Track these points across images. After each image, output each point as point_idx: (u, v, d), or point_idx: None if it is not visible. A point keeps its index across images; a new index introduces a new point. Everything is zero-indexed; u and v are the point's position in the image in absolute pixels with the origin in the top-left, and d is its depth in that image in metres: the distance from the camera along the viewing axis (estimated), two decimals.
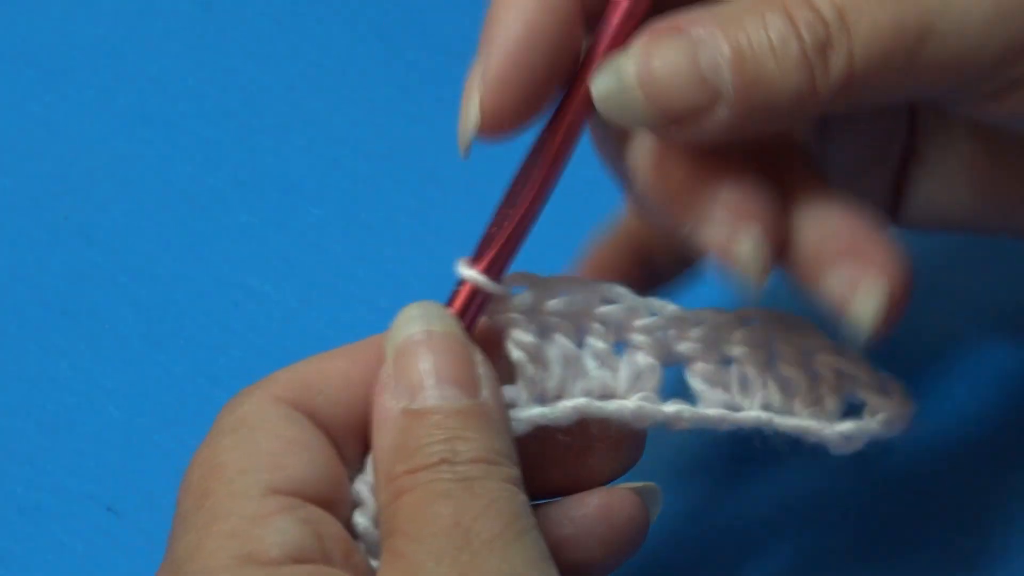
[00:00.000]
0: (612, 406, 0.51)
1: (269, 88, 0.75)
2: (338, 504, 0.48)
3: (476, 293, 0.50)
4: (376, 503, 0.48)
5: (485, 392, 0.48)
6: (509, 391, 0.50)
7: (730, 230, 0.48)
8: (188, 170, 0.73)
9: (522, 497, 0.46)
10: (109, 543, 0.63)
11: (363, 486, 0.49)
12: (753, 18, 0.46)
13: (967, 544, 0.61)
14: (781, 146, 0.51)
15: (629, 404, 0.51)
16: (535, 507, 0.50)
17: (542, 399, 0.50)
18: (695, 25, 0.47)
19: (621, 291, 0.52)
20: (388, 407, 0.47)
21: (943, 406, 0.64)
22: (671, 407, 0.51)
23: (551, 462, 0.51)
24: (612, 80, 0.47)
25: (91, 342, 0.68)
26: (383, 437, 0.47)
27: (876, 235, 0.49)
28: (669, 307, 0.52)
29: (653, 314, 0.52)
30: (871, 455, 0.62)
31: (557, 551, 0.48)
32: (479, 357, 0.48)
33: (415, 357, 0.48)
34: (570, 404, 0.50)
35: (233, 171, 0.73)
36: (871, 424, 0.52)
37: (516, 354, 0.50)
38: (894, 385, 0.53)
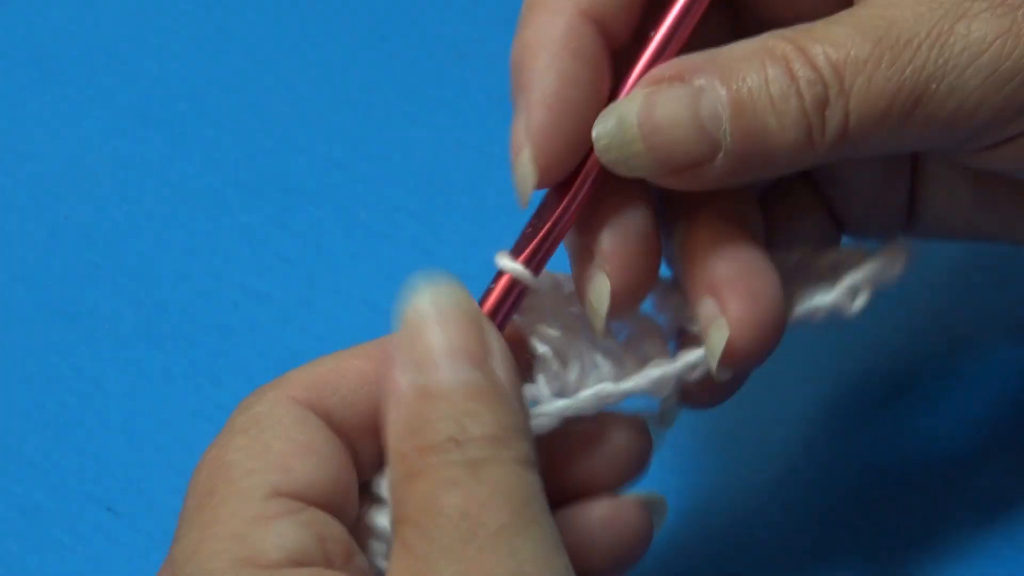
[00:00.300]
0: (629, 384, 0.51)
1: (269, 88, 0.75)
2: (344, 508, 0.48)
3: (514, 286, 0.50)
4: (390, 480, 0.47)
5: (495, 363, 0.47)
6: (531, 389, 0.50)
7: (591, 276, 0.50)
8: (188, 170, 0.73)
9: (531, 477, 0.46)
10: (109, 543, 0.63)
11: (384, 485, 0.49)
12: (754, 70, 0.47)
13: (966, 545, 0.61)
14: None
15: (652, 372, 0.51)
16: None
17: (562, 394, 0.51)
18: (696, 74, 0.47)
19: None
20: (396, 381, 0.47)
21: (945, 408, 0.64)
22: (692, 354, 0.51)
23: (558, 470, 0.51)
24: (614, 128, 0.48)
25: (91, 342, 0.68)
26: (392, 412, 0.47)
27: (746, 281, 0.49)
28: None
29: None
30: (871, 457, 0.63)
31: None
32: (490, 329, 0.48)
33: (423, 329, 0.47)
34: (591, 392, 0.50)
35: (233, 171, 0.73)
36: (869, 270, 0.52)
37: (542, 348, 0.50)
38: (887, 245, 0.53)
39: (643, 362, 0.51)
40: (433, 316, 0.47)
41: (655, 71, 0.48)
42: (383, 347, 0.49)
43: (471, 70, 0.75)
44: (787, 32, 0.48)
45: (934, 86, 0.47)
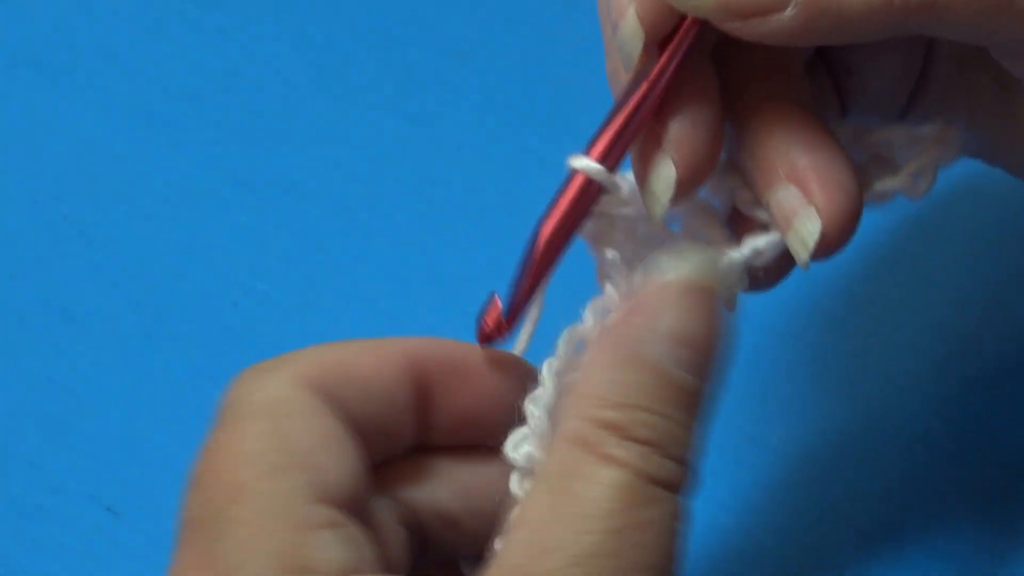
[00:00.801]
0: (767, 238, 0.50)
1: (269, 88, 0.75)
2: (362, 504, 0.46)
3: (589, 185, 0.48)
4: (565, 413, 0.45)
5: (706, 387, 0.46)
6: (599, 301, 0.48)
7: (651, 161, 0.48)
8: (188, 170, 0.73)
9: (684, 528, 0.45)
10: (109, 543, 0.63)
11: (535, 408, 0.47)
12: None
13: (966, 545, 0.61)
14: (773, 63, 0.51)
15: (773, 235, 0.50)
16: None
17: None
18: None
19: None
20: (632, 340, 0.44)
21: (945, 408, 0.64)
22: (746, 241, 0.50)
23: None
24: None
25: (91, 342, 0.68)
26: (610, 366, 0.44)
27: (830, 169, 0.49)
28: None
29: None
30: (871, 457, 0.63)
31: None
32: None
33: (684, 311, 0.45)
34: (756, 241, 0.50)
35: (233, 171, 0.73)
36: (931, 153, 0.52)
37: (611, 254, 0.49)
38: (940, 128, 0.53)
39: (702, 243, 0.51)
40: (701, 303, 0.46)
41: None
42: (397, 347, 0.48)
43: (471, 70, 0.75)
44: None
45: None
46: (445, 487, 0.50)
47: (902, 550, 0.61)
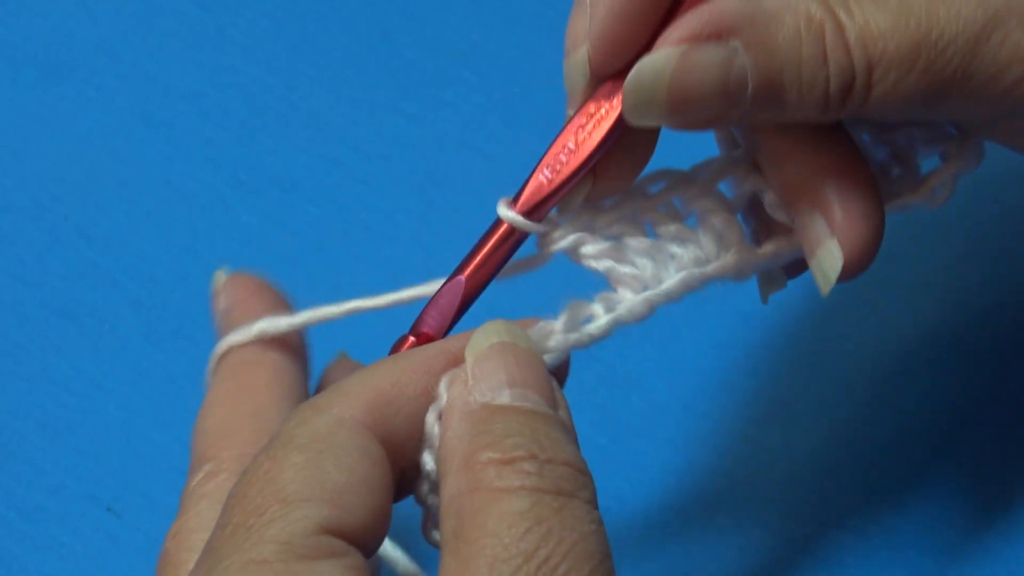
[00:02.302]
0: (712, 267, 0.51)
1: (269, 88, 0.75)
2: (378, 539, 0.47)
3: (510, 235, 0.51)
4: (442, 487, 0.46)
5: (562, 413, 0.47)
6: (613, 298, 0.50)
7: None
8: (188, 170, 0.73)
9: (604, 528, 0.45)
10: (109, 543, 0.63)
11: (434, 418, 0.48)
12: (790, 40, 0.47)
13: (966, 545, 0.61)
14: None
15: (729, 258, 0.51)
16: None
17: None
18: (734, 34, 0.47)
19: (661, 173, 0.52)
20: (467, 400, 0.46)
21: (946, 408, 0.64)
22: (768, 246, 0.51)
23: None
24: (648, 80, 0.48)
25: (91, 342, 0.68)
26: (459, 423, 0.45)
27: (855, 198, 0.49)
28: (714, 160, 0.52)
29: (703, 173, 0.52)
30: (870, 457, 0.63)
31: None
32: (554, 383, 0.48)
33: (498, 363, 0.47)
34: (678, 277, 0.50)
35: (233, 171, 0.73)
36: (949, 167, 0.53)
37: (603, 264, 0.51)
38: (961, 142, 0.53)
39: (719, 240, 0.51)
40: (508, 352, 0.47)
41: (695, 18, 0.48)
42: (439, 356, 0.49)
43: (471, 70, 0.75)
44: None
45: (957, 89, 0.47)
46: None
47: (902, 550, 0.61)
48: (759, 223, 0.53)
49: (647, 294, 0.50)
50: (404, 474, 0.48)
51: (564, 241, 0.51)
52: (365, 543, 0.46)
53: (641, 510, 0.62)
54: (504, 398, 0.46)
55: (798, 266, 0.54)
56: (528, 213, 0.51)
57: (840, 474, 0.63)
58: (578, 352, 0.66)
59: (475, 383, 0.46)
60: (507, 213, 0.51)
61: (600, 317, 0.50)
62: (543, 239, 0.51)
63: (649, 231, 0.52)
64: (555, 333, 0.50)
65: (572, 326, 0.50)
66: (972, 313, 0.67)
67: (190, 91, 0.75)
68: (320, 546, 0.44)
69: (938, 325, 0.67)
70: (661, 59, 0.48)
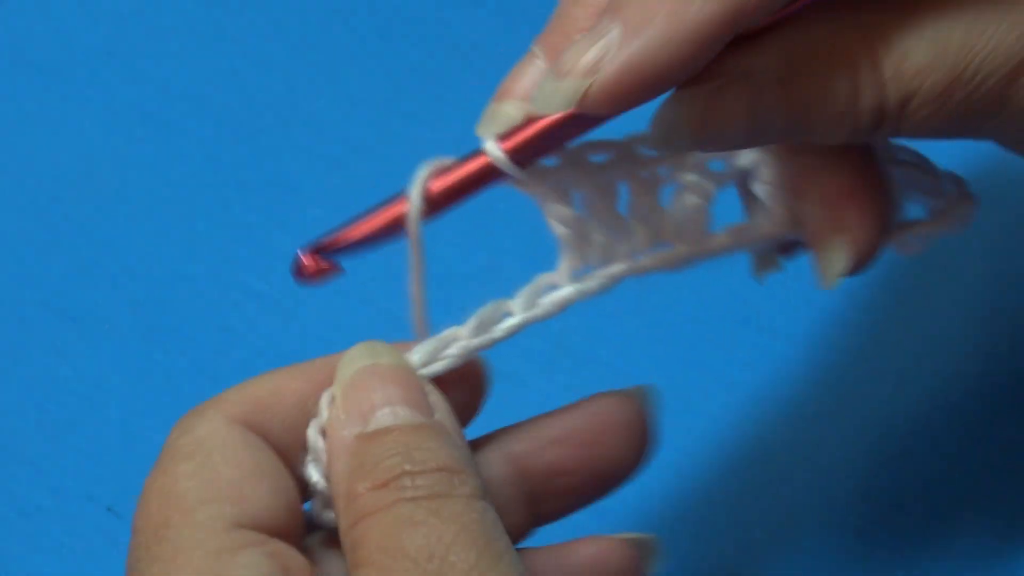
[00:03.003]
0: (650, 261, 0.50)
1: (269, 88, 0.75)
2: (295, 531, 0.47)
3: (490, 170, 0.49)
4: (339, 528, 0.46)
5: (438, 415, 0.47)
6: (547, 277, 0.49)
7: None
8: (188, 170, 0.73)
9: (491, 514, 0.45)
10: (109, 543, 0.63)
11: (315, 432, 0.48)
12: (820, 81, 0.46)
13: (966, 545, 0.61)
14: None
15: (682, 249, 0.50)
16: (524, 551, 0.49)
17: (582, 272, 0.50)
18: (767, 74, 0.46)
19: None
20: (341, 436, 0.46)
21: (945, 408, 0.64)
22: (723, 236, 0.50)
23: (558, 471, 0.51)
24: (672, 116, 0.46)
25: (91, 342, 0.68)
26: (338, 463, 0.46)
27: (865, 196, 0.49)
28: None
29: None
30: (870, 457, 0.62)
31: None
32: (429, 387, 0.48)
33: (365, 388, 0.47)
34: (609, 272, 0.49)
35: (233, 171, 0.73)
36: (932, 225, 0.52)
37: (559, 230, 0.49)
38: (955, 182, 0.52)
39: (684, 221, 0.50)
40: (373, 374, 0.47)
41: (729, 64, 0.46)
42: (323, 368, 0.49)
43: (471, 70, 0.75)
44: (865, 25, 0.46)
45: (991, 120, 0.46)
46: None
47: (902, 550, 0.61)
48: (749, 197, 0.52)
49: (569, 291, 0.49)
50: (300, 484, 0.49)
51: (534, 190, 0.49)
52: (280, 531, 0.46)
53: (641, 510, 0.62)
54: (373, 424, 0.46)
55: (792, 247, 0.53)
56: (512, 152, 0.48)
57: (840, 474, 0.63)
58: (578, 352, 0.66)
59: (346, 416, 0.47)
60: (494, 149, 0.48)
61: (513, 317, 0.49)
62: (518, 182, 0.49)
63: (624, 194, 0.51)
64: (459, 339, 0.49)
65: (480, 330, 0.49)
66: (976, 312, 0.67)
67: (190, 91, 0.75)
68: (234, 540, 0.45)
69: (938, 324, 0.67)
70: (686, 100, 0.46)
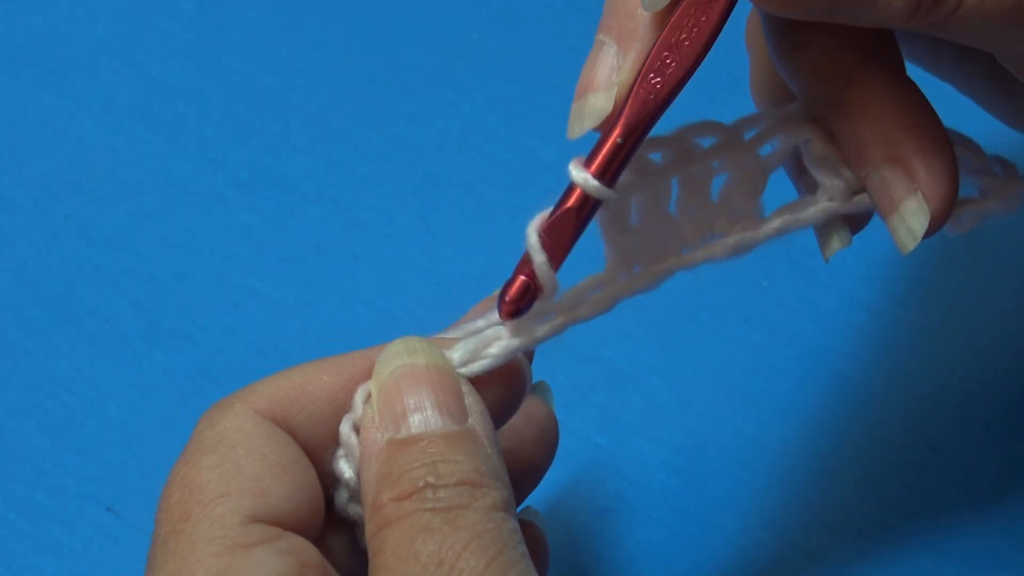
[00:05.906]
0: (707, 250, 0.49)
1: (269, 88, 0.75)
2: (317, 526, 0.48)
3: (586, 200, 0.47)
4: (365, 533, 0.47)
5: (472, 419, 0.47)
6: (595, 278, 0.49)
7: None
8: (188, 170, 0.73)
9: (510, 524, 0.45)
10: (109, 543, 0.63)
11: (349, 427, 0.48)
12: None
13: (966, 545, 0.61)
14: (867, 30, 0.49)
15: (730, 240, 0.49)
16: None
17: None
18: None
19: (711, 125, 0.50)
20: (373, 440, 0.47)
21: (945, 408, 0.64)
22: (775, 221, 0.50)
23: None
24: None
25: (91, 342, 0.68)
26: (369, 469, 0.46)
27: (937, 154, 0.48)
28: (768, 113, 0.50)
29: (757, 126, 0.50)
30: (870, 457, 0.62)
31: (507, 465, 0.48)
32: (466, 387, 0.48)
33: (400, 391, 0.47)
34: (659, 267, 0.49)
35: (233, 171, 0.73)
36: (985, 203, 0.52)
37: (615, 238, 0.49)
38: (1004, 165, 0.53)
39: (729, 218, 0.50)
40: (408, 376, 0.47)
41: None
42: (354, 363, 0.49)
43: (471, 70, 0.75)
44: None
45: None
46: None
47: (902, 550, 0.61)
48: (800, 174, 0.51)
49: (618, 288, 0.49)
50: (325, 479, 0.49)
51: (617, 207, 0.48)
52: (300, 526, 0.47)
53: (641, 510, 0.62)
54: (405, 430, 0.46)
55: (861, 220, 0.52)
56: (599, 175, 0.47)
57: (840, 474, 0.63)
58: (577, 352, 0.66)
59: (380, 418, 0.47)
60: (580, 175, 0.47)
61: (556, 317, 0.49)
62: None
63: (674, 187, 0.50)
64: (500, 339, 0.49)
65: (523, 328, 0.48)
66: (976, 312, 0.67)
67: (190, 91, 0.75)
68: (251, 534, 0.45)
69: (939, 324, 0.67)
70: None
